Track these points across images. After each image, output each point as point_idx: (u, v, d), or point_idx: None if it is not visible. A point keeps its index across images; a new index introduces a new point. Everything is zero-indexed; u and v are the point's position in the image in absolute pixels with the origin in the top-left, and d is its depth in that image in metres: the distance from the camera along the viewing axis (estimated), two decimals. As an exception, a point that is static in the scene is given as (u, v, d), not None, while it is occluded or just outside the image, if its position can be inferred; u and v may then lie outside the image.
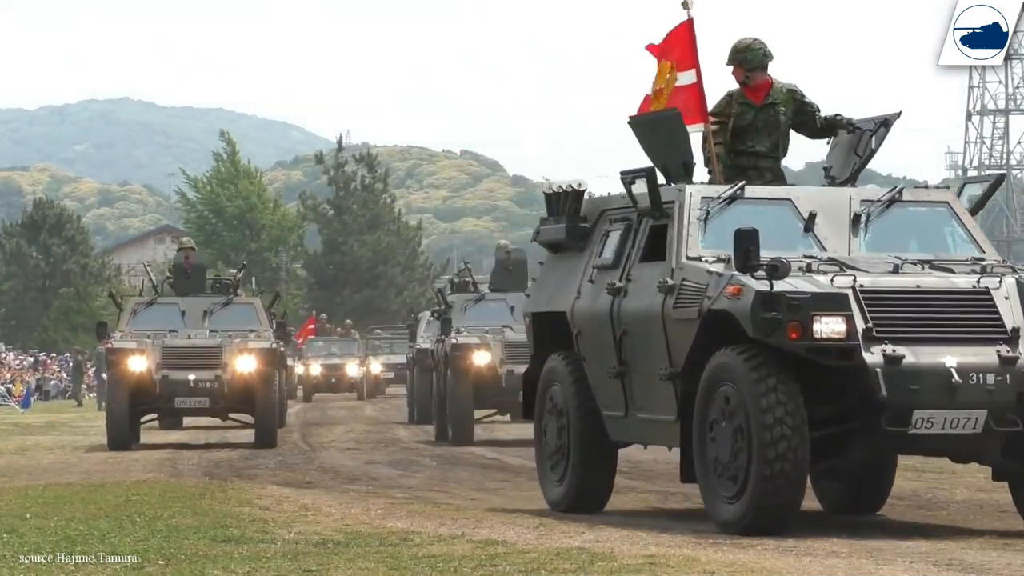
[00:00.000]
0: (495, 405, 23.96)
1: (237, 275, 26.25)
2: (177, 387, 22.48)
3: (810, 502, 13.21)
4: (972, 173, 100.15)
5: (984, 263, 11.56)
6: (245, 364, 22.42)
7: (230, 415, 23.81)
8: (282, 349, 26.91)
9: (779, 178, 12.56)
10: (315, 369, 46.33)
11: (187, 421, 28.42)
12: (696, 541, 9.97)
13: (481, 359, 22.81)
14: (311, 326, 52.44)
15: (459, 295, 25.44)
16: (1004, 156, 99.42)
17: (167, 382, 22.46)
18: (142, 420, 23.66)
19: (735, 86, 12.49)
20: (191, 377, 22.47)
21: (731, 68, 12.49)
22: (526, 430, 24.46)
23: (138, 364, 22.36)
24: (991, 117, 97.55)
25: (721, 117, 12.45)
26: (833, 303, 10.75)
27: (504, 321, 23.69)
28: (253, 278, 26.87)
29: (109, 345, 23.04)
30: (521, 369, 20.36)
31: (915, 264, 11.55)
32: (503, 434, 24.90)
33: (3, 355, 59.69)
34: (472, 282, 26.20)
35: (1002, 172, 20.08)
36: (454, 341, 23.03)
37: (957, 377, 10.69)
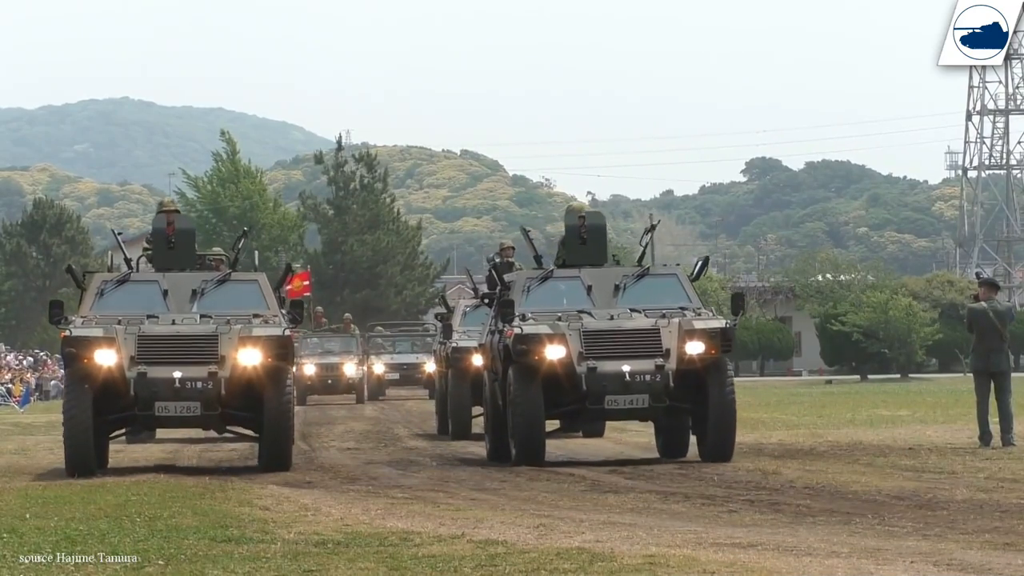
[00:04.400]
0: (571, 415, 18.49)
1: (236, 245, 19.92)
2: (158, 388, 16.97)
3: (810, 501, 13.23)
4: (972, 173, 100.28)
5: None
6: (249, 357, 17.10)
7: (228, 427, 18.26)
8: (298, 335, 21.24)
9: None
10: (310, 368, 41.23)
11: (166, 432, 22.42)
12: (696, 541, 9.97)
13: (554, 353, 17.66)
14: (306, 282, 48.34)
15: (520, 273, 19.97)
16: (1004, 156, 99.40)
17: (145, 382, 16.97)
18: (111, 434, 18.30)
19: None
20: (177, 375, 16.99)
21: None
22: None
23: (105, 358, 17.00)
24: (991, 117, 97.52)
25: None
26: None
27: (580, 304, 18.42)
28: (256, 252, 21.09)
29: (66, 334, 17.23)
30: (608, 366, 17.55)
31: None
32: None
33: (3, 355, 59.69)
34: (535, 256, 20.05)
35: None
36: (518, 330, 17.78)
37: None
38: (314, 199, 74.62)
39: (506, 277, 19.57)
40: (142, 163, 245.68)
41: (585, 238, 19.30)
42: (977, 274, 29.19)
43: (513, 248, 24.11)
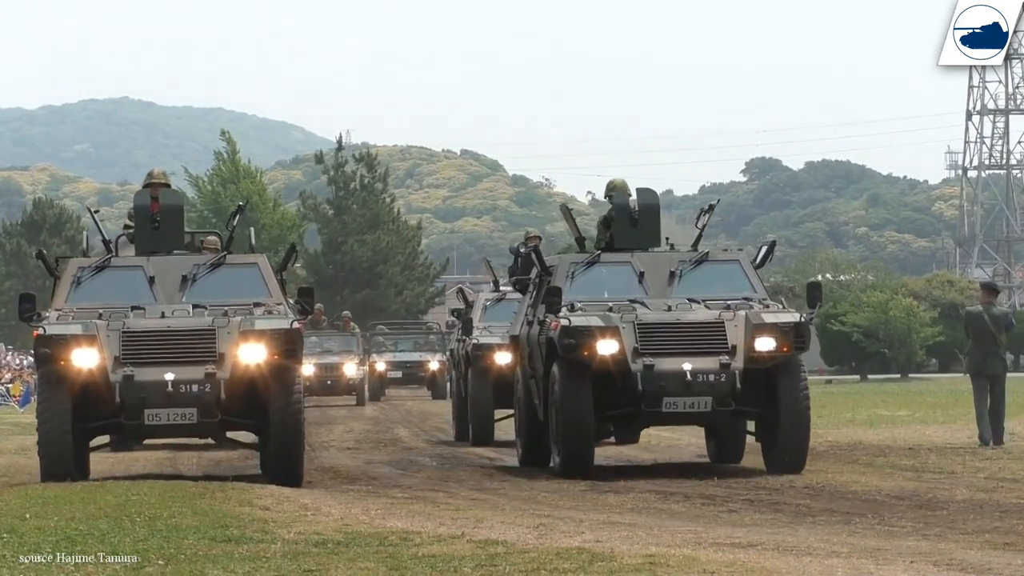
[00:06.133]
0: (624, 419, 16.28)
1: (230, 222, 16.96)
2: (147, 393, 14.87)
3: (810, 501, 13.23)
4: (972, 173, 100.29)
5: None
6: (251, 354, 14.96)
7: (228, 435, 16.06)
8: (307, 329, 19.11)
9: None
10: (308, 369, 38.15)
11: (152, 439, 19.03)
12: (696, 541, 9.96)
13: (606, 348, 15.66)
14: None
15: (563, 256, 17.77)
16: (1004, 156, 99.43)
17: (132, 386, 14.86)
18: (92, 443, 16.08)
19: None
20: (168, 377, 14.86)
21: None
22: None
23: (85, 359, 14.89)
24: (991, 117, 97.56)
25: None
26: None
27: (631, 293, 16.45)
28: (252, 228, 18.77)
29: (39, 331, 15.08)
30: (667, 364, 15.53)
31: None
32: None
33: (3, 355, 59.69)
34: (577, 238, 17.89)
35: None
36: (565, 322, 15.76)
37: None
38: (314, 199, 74.70)
39: (549, 259, 17.64)
40: (142, 163, 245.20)
41: (636, 218, 17.20)
42: (985, 282, 29.49)
43: (539, 238, 22.39)
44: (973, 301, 22.02)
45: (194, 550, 9.55)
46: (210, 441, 17.17)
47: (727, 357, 15.59)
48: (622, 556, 9.09)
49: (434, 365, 44.87)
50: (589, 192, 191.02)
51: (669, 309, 16.09)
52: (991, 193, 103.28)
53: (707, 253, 17.09)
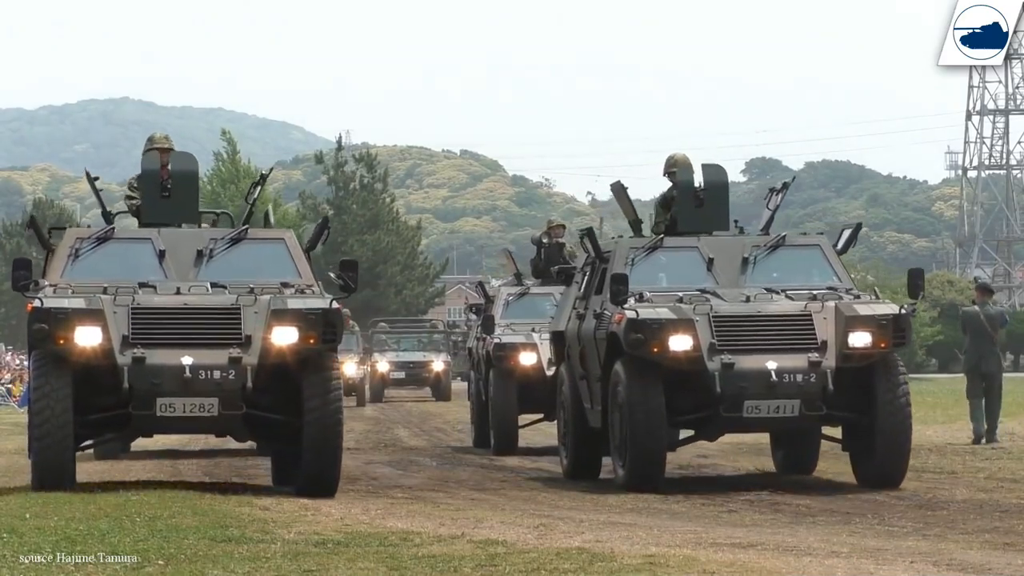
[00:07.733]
0: (700, 425, 14.44)
1: (251, 194, 14.82)
2: (161, 379, 12.82)
3: (810, 501, 13.23)
4: (972, 173, 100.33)
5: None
6: (284, 337, 12.94)
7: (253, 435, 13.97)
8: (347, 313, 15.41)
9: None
10: None
11: (145, 442, 18.10)
12: (696, 541, 9.96)
13: (679, 344, 13.82)
14: None
15: (622, 241, 15.63)
16: (1004, 156, 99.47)
17: (142, 370, 12.80)
18: (85, 443, 14.14)
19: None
20: (186, 361, 12.80)
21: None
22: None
23: (89, 337, 12.83)
24: (991, 117, 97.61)
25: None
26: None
27: (699, 282, 14.63)
28: (271, 205, 15.78)
29: (35, 304, 13.00)
30: (748, 362, 13.79)
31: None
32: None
33: (3, 355, 59.66)
34: (632, 221, 15.84)
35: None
36: (631, 314, 13.89)
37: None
38: (314, 199, 74.70)
39: (604, 244, 15.92)
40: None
41: (702, 198, 15.28)
42: (976, 278, 29.72)
43: (563, 227, 20.94)
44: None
45: (194, 550, 9.55)
46: (207, 446, 15.91)
47: (817, 354, 13.85)
48: (622, 556, 9.09)
49: (438, 365, 44.09)
50: (589, 192, 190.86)
51: (747, 300, 14.32)
52: (991, 193, 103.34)
53: (783, 237, 15.25)
